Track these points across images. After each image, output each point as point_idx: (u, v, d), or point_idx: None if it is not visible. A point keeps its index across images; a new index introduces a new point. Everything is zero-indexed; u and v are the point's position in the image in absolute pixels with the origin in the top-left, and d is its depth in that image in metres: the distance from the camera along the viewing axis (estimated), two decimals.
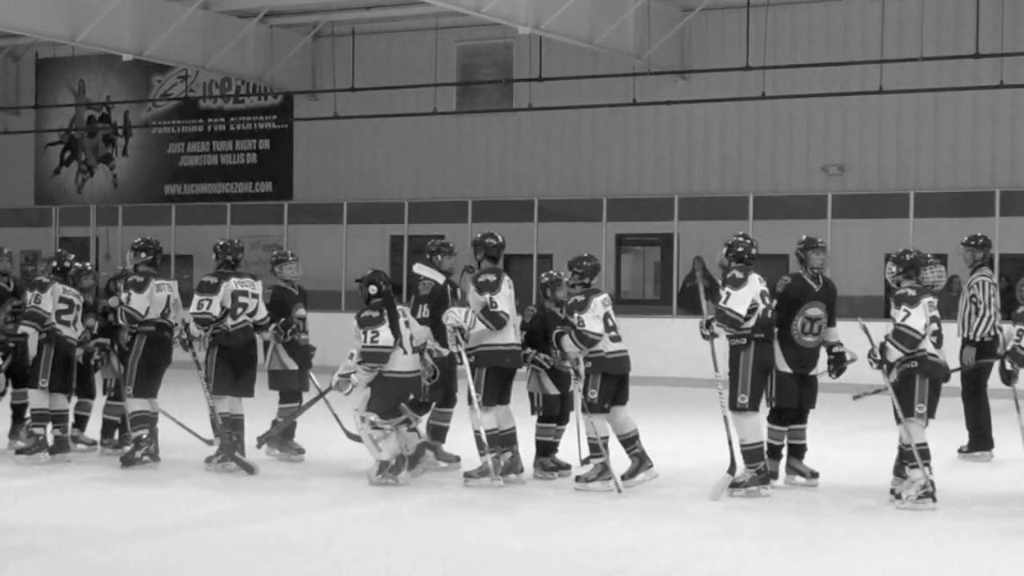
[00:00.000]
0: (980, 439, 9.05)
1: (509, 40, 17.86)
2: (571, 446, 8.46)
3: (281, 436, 9.24)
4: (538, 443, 8.51)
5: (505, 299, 8.13)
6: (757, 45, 16.11)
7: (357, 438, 8.78)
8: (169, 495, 7.99)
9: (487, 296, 8.03)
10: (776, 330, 7.90)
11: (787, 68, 16.09)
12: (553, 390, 8.42)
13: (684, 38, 17.84)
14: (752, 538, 6.57)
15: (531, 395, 8.51)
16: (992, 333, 8.92)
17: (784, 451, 8.09)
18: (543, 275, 8.87)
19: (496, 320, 8.06)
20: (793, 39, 16.99)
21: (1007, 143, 16.52)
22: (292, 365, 9.14)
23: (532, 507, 7.70)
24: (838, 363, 7.97)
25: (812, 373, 8.01)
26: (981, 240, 9.37)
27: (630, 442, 7.96)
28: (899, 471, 7.54)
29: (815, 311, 7.90)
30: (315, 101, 20.17)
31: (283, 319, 9.12)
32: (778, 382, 7.88)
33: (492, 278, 8.14)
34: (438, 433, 8.93)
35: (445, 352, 8.51)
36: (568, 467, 8.42)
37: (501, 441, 8.22)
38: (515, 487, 8.12)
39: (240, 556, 6.15)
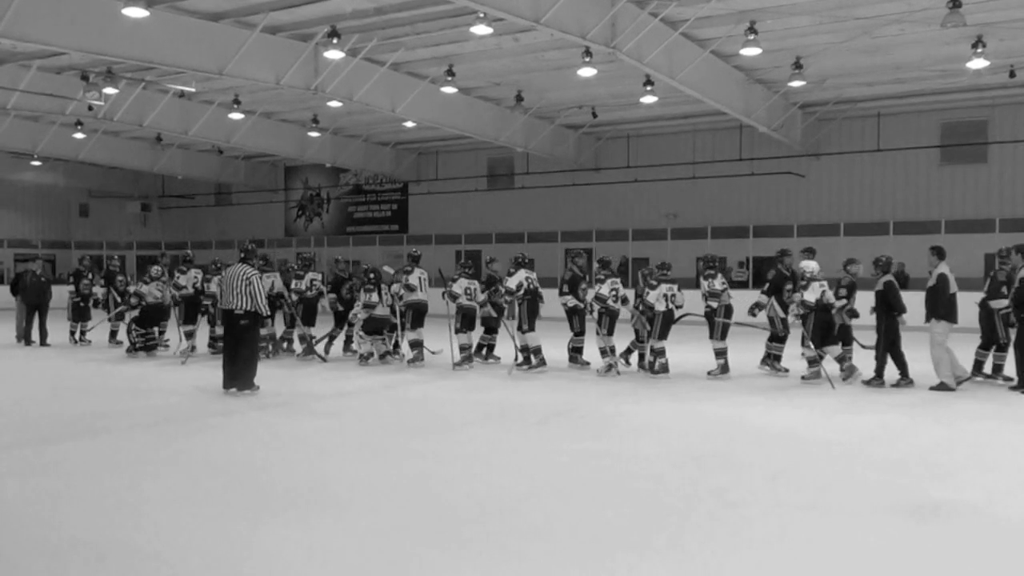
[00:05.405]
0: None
1: (511, 155, 23.60)
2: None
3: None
4: (573, 347, 10.30)
5: (415, 279, 10.25)
6: (633, 155, 21.86)
7: (324, 359, 10.90)
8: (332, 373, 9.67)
9: (404, 278, 10.40)
10: (772, 297, 9.53)
11: (648, 167, 21.39)
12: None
13: (598, 152, 23.01)
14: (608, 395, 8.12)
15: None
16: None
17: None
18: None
19: (406, 288, 10.29)
20: (651, 152, 21.86)
21: (756, 202, 21.25)
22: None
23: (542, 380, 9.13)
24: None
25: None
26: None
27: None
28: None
29: (789, 285, 9.69)
30: (418, 185, 25.83)
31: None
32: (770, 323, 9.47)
33: (408, 268, 10.40)
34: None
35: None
36: (588, 363, 10.18)
37: (422, 345, 10.32)
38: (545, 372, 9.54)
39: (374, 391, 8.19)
